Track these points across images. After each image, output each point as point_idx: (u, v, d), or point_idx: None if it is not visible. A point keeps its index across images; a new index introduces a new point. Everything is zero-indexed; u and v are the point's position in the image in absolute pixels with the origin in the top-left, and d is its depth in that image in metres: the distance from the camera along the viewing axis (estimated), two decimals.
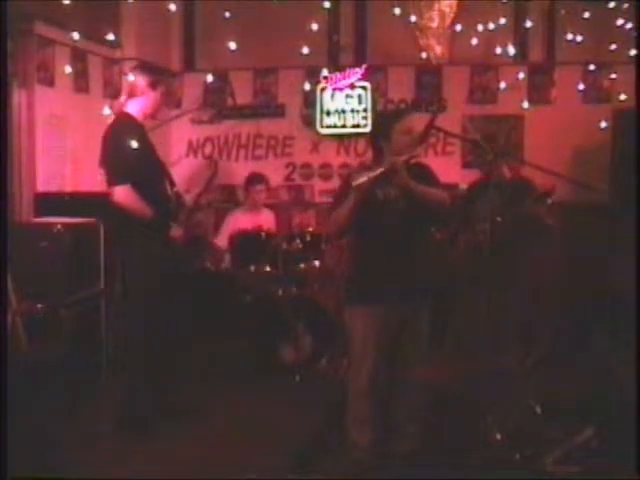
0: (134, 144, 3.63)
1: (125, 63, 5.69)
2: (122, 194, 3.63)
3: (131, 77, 3.79)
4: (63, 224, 4.28)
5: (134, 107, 3.77)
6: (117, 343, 4.40)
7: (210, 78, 5.48)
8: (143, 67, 3.95)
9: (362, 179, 3.05)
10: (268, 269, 4.92)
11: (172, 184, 3.91)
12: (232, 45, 4.47)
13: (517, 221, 4.17)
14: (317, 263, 4.96)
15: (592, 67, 5.83)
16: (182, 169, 5.99)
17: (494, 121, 6.08)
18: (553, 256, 5.49)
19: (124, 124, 3.73)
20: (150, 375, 3.80)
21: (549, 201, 4.12)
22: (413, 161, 3.29)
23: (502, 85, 5.88)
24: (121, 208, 3.64)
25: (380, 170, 3.09)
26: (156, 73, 3.84)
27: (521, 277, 4.48)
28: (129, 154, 3.62)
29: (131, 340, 3.80)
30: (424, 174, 3.31)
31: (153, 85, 3.75)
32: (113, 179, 3.66)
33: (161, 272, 3.73)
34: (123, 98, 3.82)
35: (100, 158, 3.76)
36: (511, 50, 5.36)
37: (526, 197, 4.16)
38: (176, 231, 3.81)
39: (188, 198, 4.06)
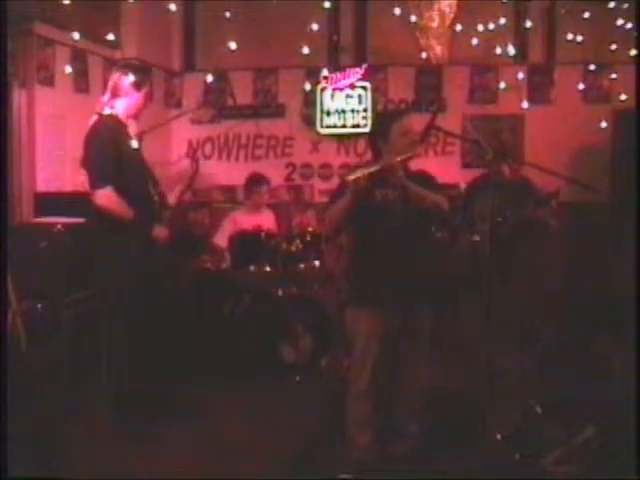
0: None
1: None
2: (103, 197, 3.55)
3: (115, 76, 3.71)
4: (63, 224, 4.27)
5: (118, 107, 3.69)
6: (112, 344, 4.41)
7: (210, 78, 5.48)
8: (128, 66, 3.83)
9: (357, 174, 3.04)
10: (268, 269, 4.92)
11: (155, 184, 3.87)
12: (232, 45, 4.47)
13: (518, 222, 4.17)
14: (317, 263, 4.95)
15: (592, 67, 5.83)
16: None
17: (494, 121, 6.08)
18: (554, 257, 5.50)
19: (107, 124, 3.64)
20: (147, 375, 3.80)
21: (553, 203, 4.11)
22: (414, 168, 3.29)
23: (502, 85, 5.88)
24: (102, 210, 3.58)
25: (376, 167, 3.08)
26: (141, 73, 3.75)
27: (522, 278, 4.47)
28: (111, 156, 3.56)
29: (118, 340, 3.77)
30: (424, 180, 3.30)
31: (137, 85, 3.68)
32: (94, 182, 3.59)
33: (144, 272, 3.68)
34: (107, 97, 3.72)
35: (82, 158, 3.67)
36: (511, 50, 5.37)
37: (527, 198, 4.16)
38: (160, 231, 3.75)
39: (171, 198, 4.01)
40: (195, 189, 4.41)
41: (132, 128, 3.81)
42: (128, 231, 3.60)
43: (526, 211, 4.10)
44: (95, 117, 3.68)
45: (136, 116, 3.80)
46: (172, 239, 3.81)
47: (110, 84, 3.73)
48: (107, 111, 3.68)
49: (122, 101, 3.69)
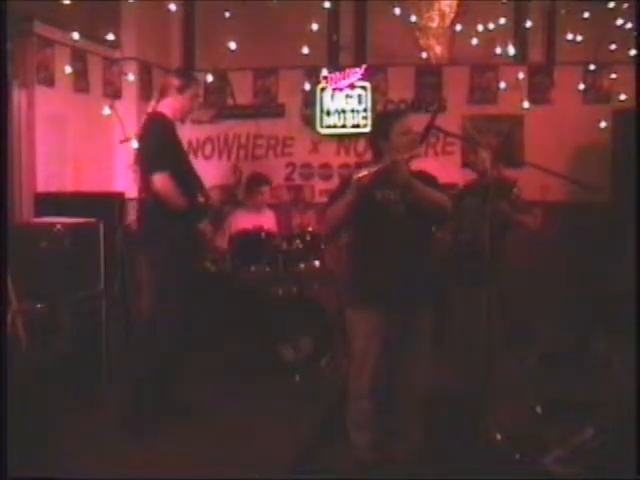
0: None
1: (125, 63, 5.69)
2: (161, 180, 3.69)
3: (164, 79, 4.00)
4: (63, 224, 4.28)
5: (165, 107, 3.90)
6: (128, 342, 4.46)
7: (210, 78, 5.49)
8: (175, 71, 4.22)
9: (363, 172, 3.05)
10: (268, 269, 4.92)
11: (202, 186, 4.02)
12: (232, 45, 4.48)
13: (503, 220, 4.16)
14: (317, 263, 4.95)
15: (592, 67, 5.83)
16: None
17: (494, 121, 6.08)
18: (553, 257, 5.50)
19: (160, 120, 3.86)
20: (155, 374, 3.82)
21: (514, 192, 4.11)
22: (416, 168, 3.28)
23: (502, 85, 5.88)
24: (159, 194, 3.70)
25: (382, 165, 3.08)
26: (185, 78, 3.96)
27: (519, 278, 4.47)
28: (166, 145, 3.76)
29: (155, 338, 3.83)
30: (425, 180, 3.30)
31: (181, 89, 3.87)
32: (152, 167, 3.73)
33: (190, 265, 3.86)
34: (156, 98, 3.98)
35: (136, 154, 3.87)
36: (511, 50, 5.37)
37: (510, 198, 4.16)
38: (206, 226, 3.94)
39: (215, 200, 4.15)
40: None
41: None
42: (177, 223, 3.74)
43: (504, 209, 4.07)
44: (145, 116, 3.99)
45: (181, 117, 4.00)
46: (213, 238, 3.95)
47: (159, 86, 4.03)
48: (157, 110, 3.89)
49: (168, 102, 3.89)
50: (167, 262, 3.77)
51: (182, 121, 4.03)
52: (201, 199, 3.94)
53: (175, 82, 3.89)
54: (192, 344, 4.41)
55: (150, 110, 4.00)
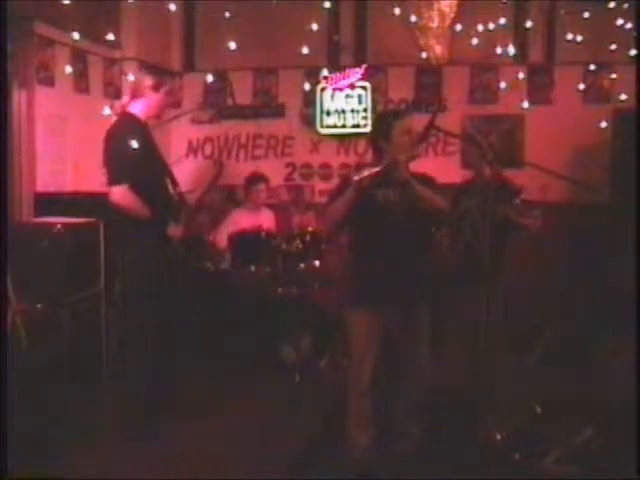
0: (135, 144, 3.65)
1: (125, 63, 5.69)
2: (119, 194, 3.63)
3: (133, 78, 3.86)
4: (63, 224, 4.28)
5: (137, 108, 3.81)
6: (118, 344, 4.42)
7: (210, 78, 5.48)
8: (146, 68, 4.01)
9: (364, 173, 3.05)
10: (268, 269, 4.92)
11: (174, 184, 3.93)
12: (232, 45, 4.47)
13: (503, 221, 4.15)
14: (317, 263, 4.95)
15: (592, 67, 5.82)
16: (185, 169, 5.99)
17: (494, 121, 6.08)
18: (554, 257, 5.50)
19: (126, 124, 3.76)
20: (150, 375, 3.81)
21: (517, 200, 4.09)
22: (414, 170, 3.29)
23: (502, 85, 5.87)
24: (118, 208, 3.65)
25: (382, 166, 3.09)
26: (159, 75, 3.89)
27: (518, 277, 4.46)
28: (129, 154, 3.64)
29: (130, 340, 3.80)
30: (424, 182, 3.31)
31: (155, 87, 3.80)
32: (111, 179, 3.67)
33: (159, 271, 3.73)
34: (126, 99, 3.86)
35: (103, 158, 3.78)
36: (511, 50, 5.36)
37: (506, 198, 4.15)
38: (176, 230, 3.81)
39: (191, 198, 4.08)
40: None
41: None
42: (143, 229, 3.66)
43: (502, 210, 4.06)
44: (115, 117, 3.83)
45: (157, 116, 3.93)
46: (187, 238, 3.88)
47: (129, 85, 3.91)
48: (127, 111, 3.79)
49: (141, 102, 3.80)
50: (138, 267, 3.70)
51: (158, 118, 3.95)
52: (174, 199, 3.84)
53: (147, 80, 3.79)
54: (187, 345, 4.42)
55: (119, 111, 3.86)
